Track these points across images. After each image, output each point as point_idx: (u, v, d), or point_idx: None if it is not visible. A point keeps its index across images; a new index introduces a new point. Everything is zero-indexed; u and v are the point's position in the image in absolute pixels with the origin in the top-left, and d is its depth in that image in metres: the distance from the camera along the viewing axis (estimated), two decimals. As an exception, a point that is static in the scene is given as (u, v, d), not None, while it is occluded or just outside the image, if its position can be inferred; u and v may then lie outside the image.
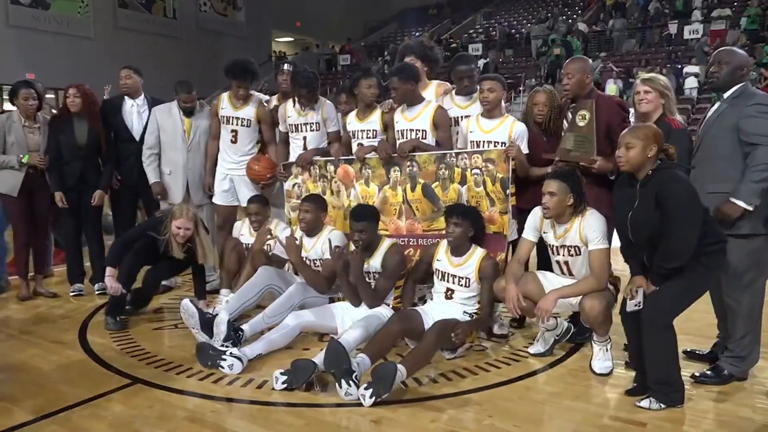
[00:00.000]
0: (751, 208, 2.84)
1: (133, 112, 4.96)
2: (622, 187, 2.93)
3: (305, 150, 4.47)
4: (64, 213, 4.75)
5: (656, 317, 2.72)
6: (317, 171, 4.38)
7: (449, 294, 3.57)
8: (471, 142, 3.87)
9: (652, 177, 2.75)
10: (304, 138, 4.47)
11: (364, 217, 3.60)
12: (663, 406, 2.73)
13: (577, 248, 3.23)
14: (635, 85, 3.31)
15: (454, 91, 4.17)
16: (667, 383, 2.74)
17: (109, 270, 3.98)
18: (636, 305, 2.81)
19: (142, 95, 5.07)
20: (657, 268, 2.75)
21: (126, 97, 4.99)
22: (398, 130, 4.14)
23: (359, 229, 3.57)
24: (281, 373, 3.04)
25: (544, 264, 3.62)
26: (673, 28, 17.74)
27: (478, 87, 3.89)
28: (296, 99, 4.44)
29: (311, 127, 4.45)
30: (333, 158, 4.33)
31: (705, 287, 2.86)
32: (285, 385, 3.00)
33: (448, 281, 3.56)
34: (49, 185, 4.66)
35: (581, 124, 3.54)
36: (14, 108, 4.76)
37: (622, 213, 2.87)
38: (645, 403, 2.76)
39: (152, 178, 4.82)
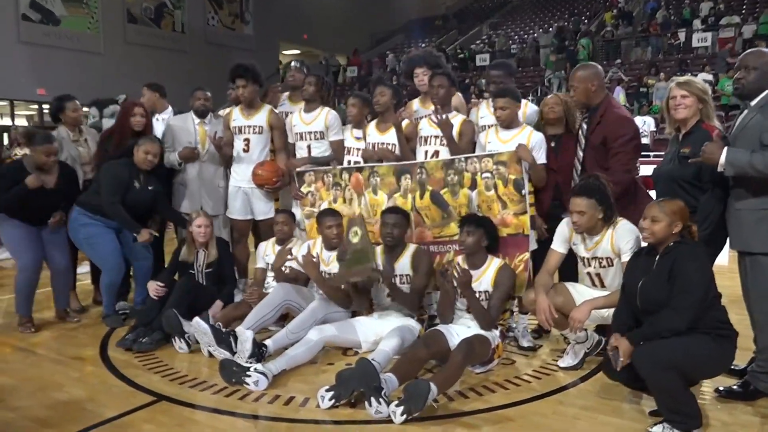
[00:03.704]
0: (721, 169, 2.69)
1: (158, 126, 4.96)
2: (639, 254, 2.87)
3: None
4: None
5: (649, 357, 2.53)
6: (331, 179, 4.32)
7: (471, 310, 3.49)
8: None
9: (672, 249, 2.67)
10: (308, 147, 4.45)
11: (398, 211, 3.73)
12: None
13: (609, 260, 3.17)
14: (670, 90, 3.14)
15: (490, 99, 4.13)
16: (680, 412, 2.55)
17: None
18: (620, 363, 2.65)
19: (169, 108, 5.06)
20: (648, 332, 2.60)
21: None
22: (422, 137, 4.11)
23: (393, 222, 3.63)
24: (326, 390, 2.95)
25: (567, 275, 3.55)
26: (681, 35, 17.69)
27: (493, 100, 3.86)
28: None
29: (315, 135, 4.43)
30: (348, 166, 4.28)
31: (709, 352, 2.60)
32: (333, 401, 2.91)
33: None
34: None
35: (354, 240, 3.56)
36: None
37: (633, 279, 2.78)
38: (658, 429, 2.56)
39: (173, 157, 4.58)
